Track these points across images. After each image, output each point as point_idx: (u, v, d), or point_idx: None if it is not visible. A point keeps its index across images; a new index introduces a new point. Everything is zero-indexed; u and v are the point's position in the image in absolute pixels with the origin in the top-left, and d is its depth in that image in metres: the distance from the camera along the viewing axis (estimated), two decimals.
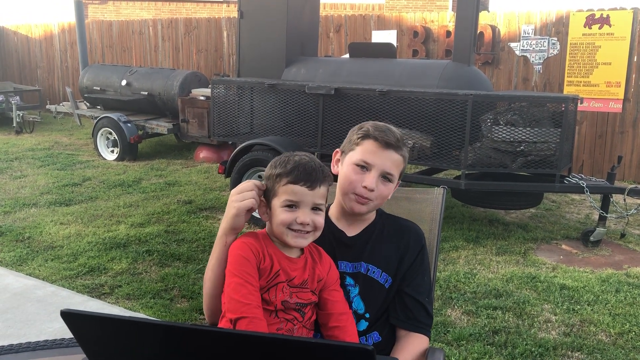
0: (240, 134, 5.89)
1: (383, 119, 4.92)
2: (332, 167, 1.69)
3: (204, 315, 3.36)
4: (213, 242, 4.86)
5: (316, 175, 1.44)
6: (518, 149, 4.66)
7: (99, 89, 9.17)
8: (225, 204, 5.21)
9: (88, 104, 9.56)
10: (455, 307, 3.65)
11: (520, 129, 4.63)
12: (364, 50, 5.93)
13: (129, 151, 8.22)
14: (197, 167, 7.94)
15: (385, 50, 5.81)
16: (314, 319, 1.52)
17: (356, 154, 1.61)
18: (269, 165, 1.51)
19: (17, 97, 11.31)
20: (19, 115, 10.64)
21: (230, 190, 5.41)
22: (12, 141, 9.86)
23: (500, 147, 4.68)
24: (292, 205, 1.44)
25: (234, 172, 5.39)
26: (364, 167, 1.59)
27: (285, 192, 1.44)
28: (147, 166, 7.94)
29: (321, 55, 8.19)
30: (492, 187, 4.86)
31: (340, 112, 5.13)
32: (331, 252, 1.60)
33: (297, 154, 1.50)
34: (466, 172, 4.75)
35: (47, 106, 10.39)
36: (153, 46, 11.49)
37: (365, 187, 1.57)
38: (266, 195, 1.49)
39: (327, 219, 1.64)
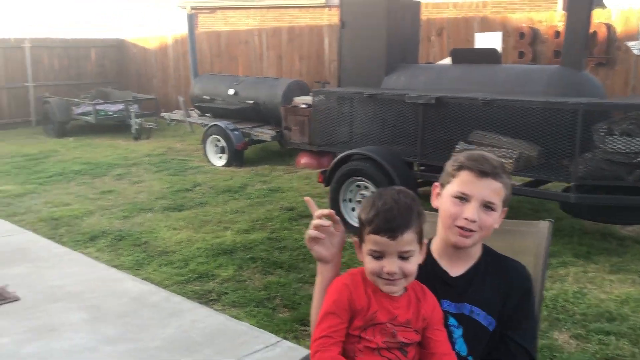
0: (339, 143, 5.97)
1: (486, 129, 4.80)
2: (432, 201, 1.69)
3: (304, 326, 3.48)
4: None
5: (398, 223, 1.42)
6: (635, 161, 4.35)
7: (208, 98, 9.66)
8: None
9: (198, 112, 10.10)
10: (563, 330, 3.48)
11: (638, 139, 4.31)
12: (466, 56, 5.80)
13: (236, 157, 8.59)
14: (298, 173, 8.13)
15: (489, 56, 5.64)
16: (417, 358, 1.52)
17: (453, 186, 1.59)
18: (361, 204, 1.53)
19: (136, 106, 12.18)
20: (137, 122, 11.46)
21: (329, 199, 5.53)
22: (131, 147, 10.64)
23: (614, 158, 4.39)
24: (377, 254, 1.44)
25: (334, 182, 5.48)
26: (462, 198, 1.57)
27: (369, 240, 1.44)
28: (252, 172, 8.26)
29: (422, 60, 8.09)
30: (605, 201, 4.57)
31: (442, 122, 5.05)
32: (433, 290, 1.59)
33: (385, 194, 1.48)
34: (576, 184, 4.50)
35: (162, 114, 11.09)
36: (258, 54, 11.91)
37: (466, 219, 1.55)
38: (360, 236, 1.51)
39: (429, 255, 1.63)
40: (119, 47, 14.91)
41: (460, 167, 1.59)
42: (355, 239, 1.53)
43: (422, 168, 5.45)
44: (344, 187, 5.43)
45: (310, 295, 3.98)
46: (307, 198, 1.64)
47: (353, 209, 5.45)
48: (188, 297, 3.93)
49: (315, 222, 1.52)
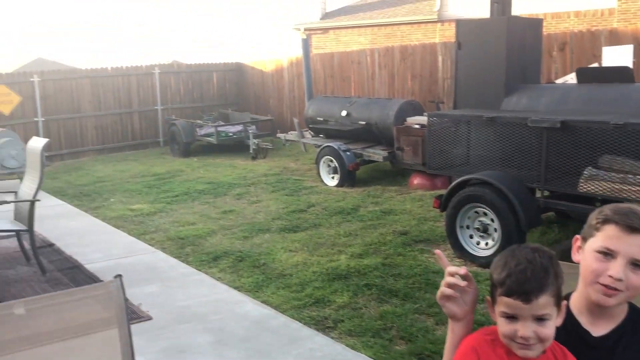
0: (455, 167, 5.83)
1: (619, 155, 4.46)
2: (572, 255, 1.60)
3: None
4: (429, 280, 4.87)
5: (532, 286, 1.34)
6: None
7: (321, 119, 9.87)
8: (439, 236, 5.18)
9: (312, 133, 10.35)
10: None
11: None
12: (594, 75, 5.45)
13: (348, 178, 8.68)
14: (411, 194, 8.05)
15: (620, 74, 5.26)
16: None
17: (597, 241, 1.49)
18: (493, 261, 1.47)
19: (254, 127, 12.73)
20: (254, 142, 11.96)
21: (446, 225, 5.41)
22: (249, 167, 11.11)
23: None
24: (510, 317, 1.38)
25: (450, 207, 5.35)
26: (607, 254, 1.47)
27: (501, 302, 1.38)
28: (364, 192, 8.29)
29: (543, 77, 7.72)
30: None
31: (568, 147, 4.77)
32: (573, 351, 1.49)
33: (518, 253, 1.40)
34: None
35: (278, 134, 11.49)
36: (370, 74, 12.00)
37: (611, 277, 1.45)
38: (492, 295, 1.45)
39: (569, 311, 1.54)
40: (238, 71, 15.69)
41: (606, 221, 1.48)
42: (487, 297, 1.48)
43: (546, 194, 5.17)
44: (461, 213, 5.29)
45: (427, 327, 3.92)
46: (437, 252, 1.61)
47: (471, 236, 5.29)
48: (305, 323, 4.01)
49: (449, 280, 1.49)
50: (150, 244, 6.10)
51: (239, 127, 12.66)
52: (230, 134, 12.55)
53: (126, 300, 1.59)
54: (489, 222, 5.16)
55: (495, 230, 5.09)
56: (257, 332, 3.77)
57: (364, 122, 9.06)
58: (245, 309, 4.15)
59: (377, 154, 8.69)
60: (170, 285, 4.71)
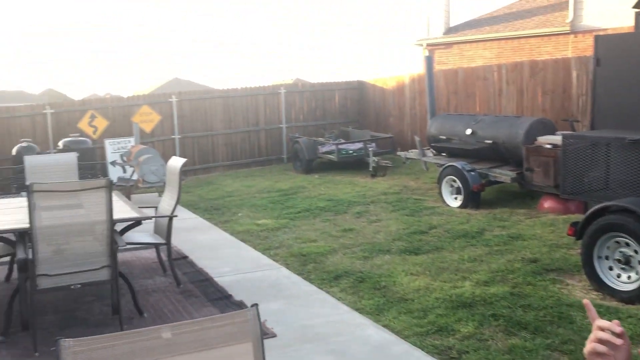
0: (593, 192, 5.41)
1: None
2: None
3: None
4: (561, 313, 4.55)
5: None
6: None
7: (444, 137, 9.66)
8: (573, 265, 4.81)
9: (434, 151, 10.16)
10: None
11: None
12: None
13: (472, 199, 8.39)
14: (541, 218, 7.60)
15: None
16: None
17: None
18: None
19: (374, 144, 12.76)
20: (374, 160, 11.99)
21: (581, 254, 5.03)
22: (368, 184, 11.14)
23: None
24: None
25: (587, 236, 4.97)
26: None
27: None
28: (489, 215, 7.97)
29: None
30: None
31: None
32: None
33: None
34: None
35: (398, 152, 11.41)
36: (497, 90, 11.57)
37: None
38: None
39: None
40: (359, 89, 15.86)
41: None
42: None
43: None
44: (600, 242, 4.89)
45: None
46: (586, 302, 1.49)
47: (610, 268, 4.87)
48: (428, 352, 3.90)
49: (601, 335, 1.36)
50: (274, 260, 6.29)
51: (359, 145, 12.76)
52: (351, 152, 12.69)
53: (262, 330, 1.64)
54: (631, 253, 4.72)
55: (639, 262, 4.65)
56: (379, 358, 3.73)
57: (490, 141, 8.73)
58: (366, 333, 4.13)
59: (505, 174, 8.32)
60: (294, 303, 4.81)
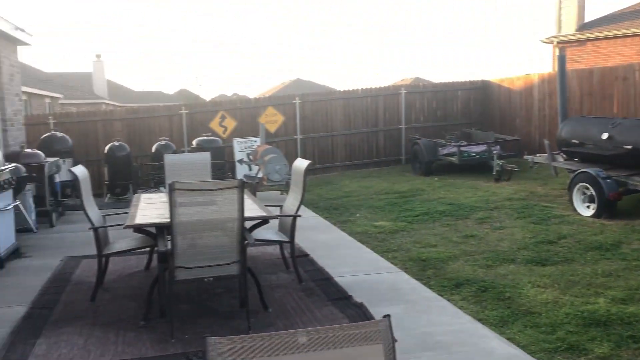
0: None
1: None
2: None
3: None
4: None
5: None
6: None
7: (577, 141, 9.07)
8: None
9: (564, 156, 9.58)
10: None
11: None
12: None
13: (607, 208, 7.81)
14: None
15: None
16: None
17: None
18: None
19: (498, 147, 12.29)
20: (498, 164, 11.54)
21: None
22: (491, 189, 10.75)
23: None
24: None
25: None
26: None
27: None
28: (627, 226, 7.37)
29: None
30: None
31: None
32: None
33: None
34: None
35: (525, 156, 10.88)
36: (638, 92, 10.65)
37: None
38: None
39: None
40: (483, 89, 15.34)
41: None
42: None
43: None
44: None
45: None
46: None
47: None
48: None
49: None
50: (393, 263, 6.28)
51: (483, 147, 12.35)
52: (473, 154, 12.32)
53: (394, 340, 1.65)
54: None
55: None
56: None
57: (629, 147, 8.07)
58: (490, 345, 4.00)
59: None
60: (413, 309, 4.77)
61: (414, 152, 13.37)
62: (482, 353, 3.90)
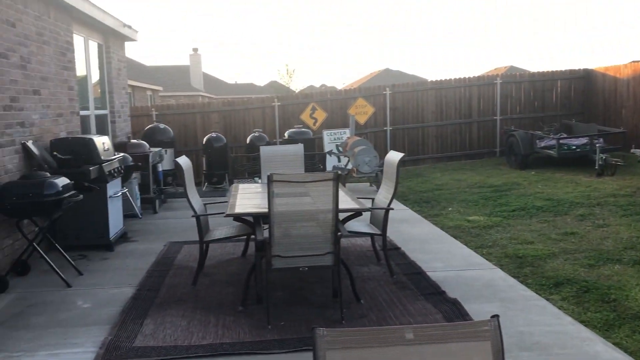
0: None
1: None
2: None
3: None
4: None
5: None
6: None
7: None
8: None
9: None
10: None
11: None
12: None
13: None
14: None
15: None
16: None
17: None
18: None
19: (601, 139, 11.60)
20: (601, 157, 10.89)
21: None
22: (593, 184, 10.17)
23: None
24: None
25: None
26: None
27: None
28: None
29: None
30: None
31: None
32: None
33: None
34: None
35: (632, 150, 10.21)
36: None
37: None
38: None
39: None
40: (585, 78, 14.51)
41: None
42: None
43: None
44: None
45: None
46: None
47: None
48: None
49: None
50: (487, 259, 6.12)
51: (584, 140, 11.70)
52: (574, 147, 11.71)
53: (502, 341, 1.63)
54: None
55: None
56: None
57: None
58: (594, 349, 3.81)
59: None
60: (510, 307, 4.63)
61: (510, 144, 12.90)
62: (585, 357, 3.73)
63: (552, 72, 14.75)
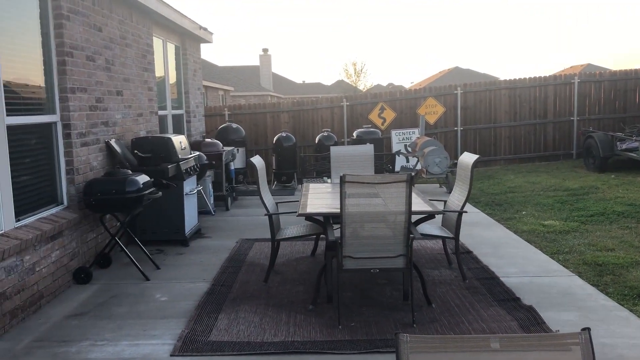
0: None
1: None
2: None
3: None
4: None
5: None
6: None
7: None
8: None
9: None
10: None
11: None
12: None
13: None
14: None
15: None
16: None
17: None
18: None
19: None
20: None
21: None
22: None
23: None
24: None
25: None
26: None
27: None
28: None
29: None
30: None
31: None
32: None
33: None
34: None
35: None
36: None
37: None
38: None
39: None
40: None
41: None
42: None
43: None
44: None
45: None
46: None
47: None
48: None
49: None
50: (564, 266, 5.90)
51: None
52: None
53: (594, 354, 1.57)
54: None
55: None
56: None
57: None
58: None
59: None
60: (590, 317, 4.45)
61: (587, 146, 12.35)
62: None
63: (637, 70, 13.99)
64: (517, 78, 14.03)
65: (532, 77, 13.98)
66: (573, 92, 13.79)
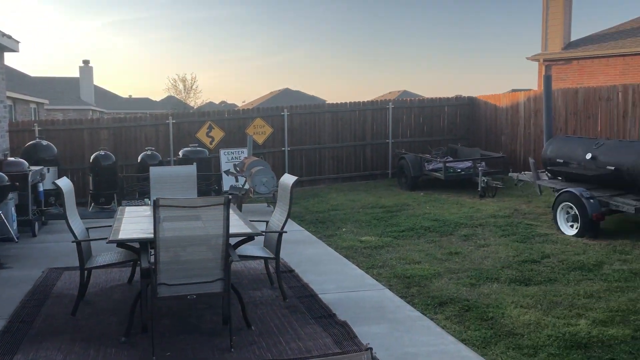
0: None
1: None
2: None
3: None
4: None
5: None
6: None
7: (561, 161, 9.18)
8: None
9: (549, 174, 9.68)
10: None
11: None
12: None
13: (590, 228, 7.89)
14: None
15: None
16: None
17: None
18: None
19: (483, 163, 12.38)
20: (483, 180, 11.62)
21: None
22: (476, 205, 10.81)
23: None
24: None
25: None
26: None
27: None
28: (609, 247, 7.45)
29: None
30: None
31: None
32: None
33: None
34: None
35: (510, 174, 10.97)
36: (621, 112, 10.81)
37: None
38: None
39: None
40: (470, 105, 15.47)
41: None
42: None
43: None
44: None
45: None
46: None
47: None
48: None
49: None
50: (377, 280, 6.28)
51: (468, 164, 12.43)
52: (459, 170, 12.40)
53: None
54: None
55: None
56: None
57: (612, 167, 8.17)
58: None
59: (628, 204, 7.74)
60: (397, 328, 4.77)
61: (400, 166, 13.43)
62: None
63: (440, 98, 15.59)
64: (339, 102, 14.84)
65: (353, 102, 14.87)
66: (388, 117, 14.93)
